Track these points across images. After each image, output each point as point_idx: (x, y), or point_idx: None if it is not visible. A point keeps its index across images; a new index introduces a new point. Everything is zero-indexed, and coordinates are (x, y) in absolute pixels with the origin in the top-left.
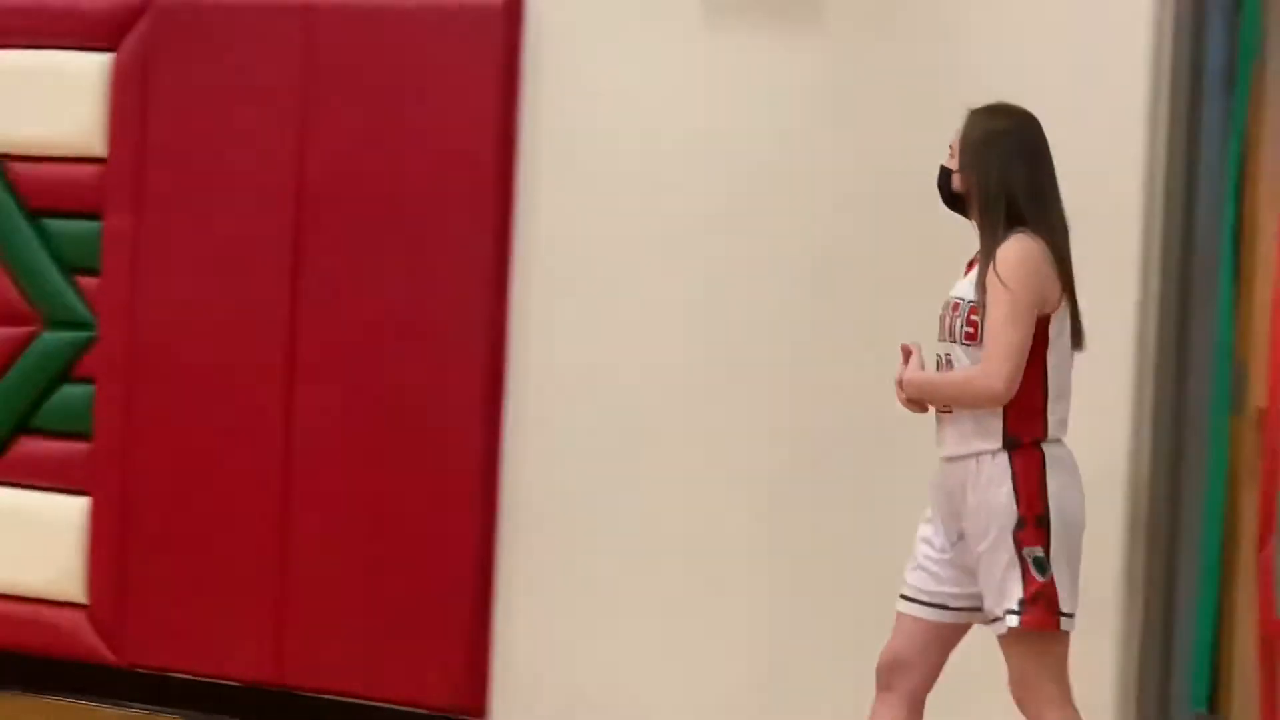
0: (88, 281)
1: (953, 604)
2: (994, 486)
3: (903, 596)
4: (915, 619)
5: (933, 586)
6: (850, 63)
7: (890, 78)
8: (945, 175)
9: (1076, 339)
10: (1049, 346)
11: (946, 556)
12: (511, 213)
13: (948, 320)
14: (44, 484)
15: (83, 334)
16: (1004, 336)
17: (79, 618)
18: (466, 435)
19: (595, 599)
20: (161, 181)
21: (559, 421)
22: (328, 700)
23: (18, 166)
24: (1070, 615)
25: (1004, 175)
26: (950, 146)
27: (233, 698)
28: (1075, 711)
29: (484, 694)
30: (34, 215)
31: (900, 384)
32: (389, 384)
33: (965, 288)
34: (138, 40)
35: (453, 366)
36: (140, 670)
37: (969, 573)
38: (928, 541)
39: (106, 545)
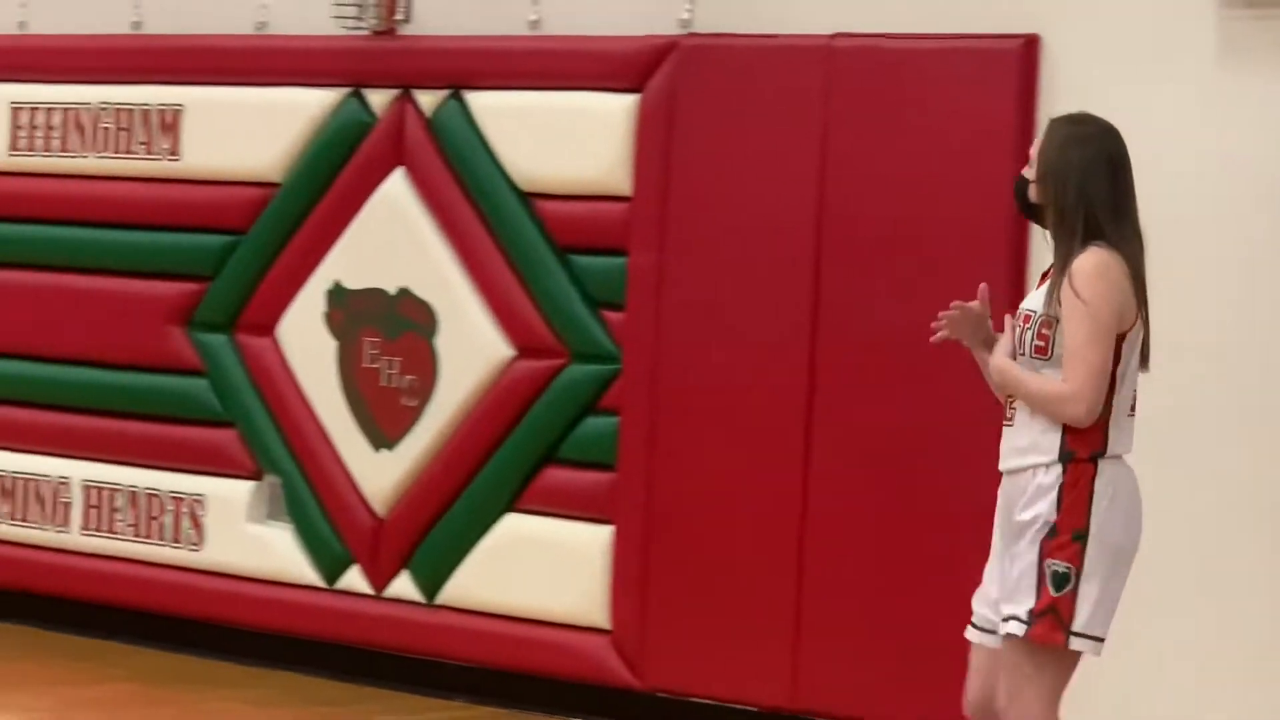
0: (613, 315)
1: None
2: (1041, 498)
3: (972, 625)
4: (982, 649)
5: (989, 613)
6: None
7: None
8: (1023, 185)
9: (1144, 358)
10: (1121, 363)
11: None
12: (1027, 244)
13: (1018, 332)
14: (570, 512)
15: (608, 367)
16: (1086, 357)
17: (603, 643)
18: (979, 459)
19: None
20: (684, 218)
21: None
22: None
23: (546, 205)
24: (1086, 636)
25: (1082, 187)
26: (1029, 155)
27: None
28: None
29: None
30: (562, 252)
31: (954, 307)
32: (905, 409)
33: (1037, 300)
34: (663, 80)
35: (968, 391)
36: (661, 695)
37: None
38: (990, 565)
39: (629, 572)
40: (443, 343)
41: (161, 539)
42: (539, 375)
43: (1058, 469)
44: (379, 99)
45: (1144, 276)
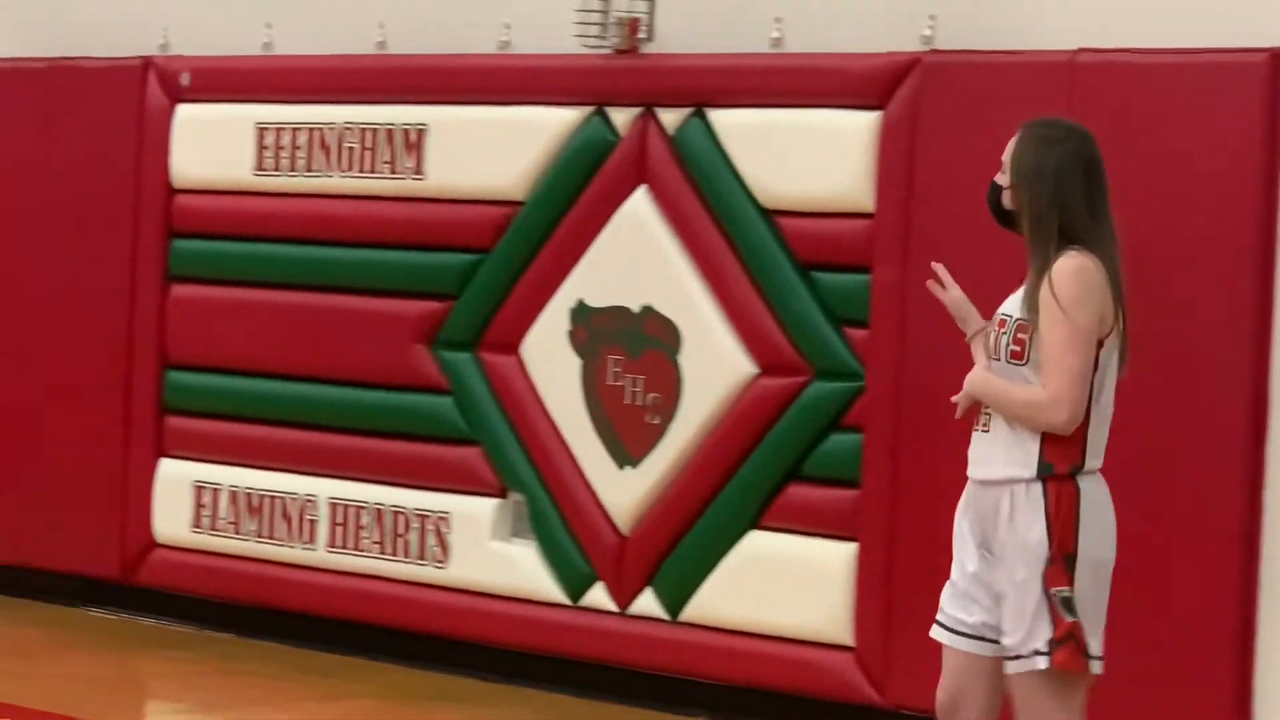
0: (855, 332)
1: (990, 635)
2: (1028, 523)
3: (939, 624)
4: (957, 652)
5: (964, 615)
6: None
7: None
8: (996, 191)
9: (1121, 365)
10: (1099, 370)
11: (977, 581)
12: (1274, 264)
13: (993, 336)
14: (813, 529)
15: (851, 384)
16: (1066, 362)
17: (846, 660)
18: (1226, 485)
19: None
20: (927, 233)
21: None
22: None
23: (789, 221)
24: (1098, 658)
25: (1057, 191)
26: (1001, 161)
27: None
28: None
29: None
30: (804, 268)
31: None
32: (1146, 428)
33: (1014, 304)
34: (905, 97)
35: (1215, 413)
36: (905, 712)
37: (997, 599)
38: (960, 564)
39: (873, 589)
40: (686, 360)
41: (407, 556)
42: (782, 392)
43: (1038, 488)
44: (622, 117)
45: (1121, 280)
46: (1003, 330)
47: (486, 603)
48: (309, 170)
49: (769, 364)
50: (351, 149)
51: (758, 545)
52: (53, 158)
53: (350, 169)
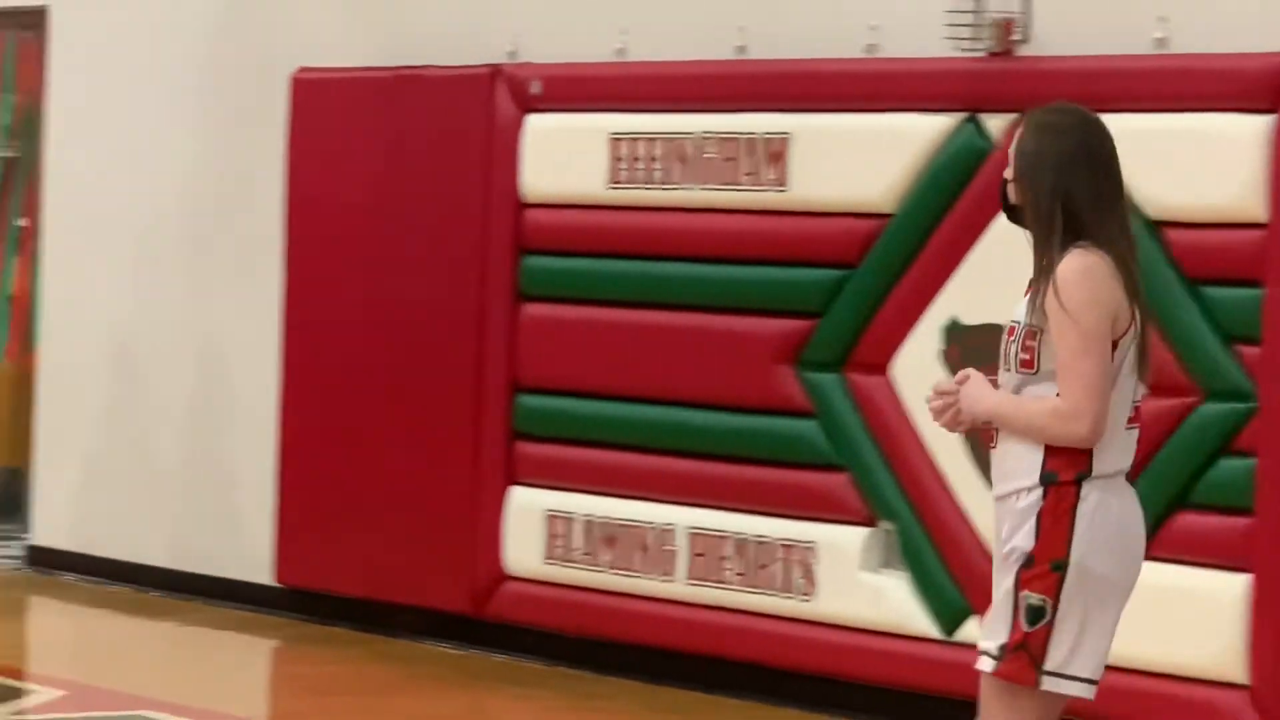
0: (1247, 350)
1: None
2: (1020, 525)
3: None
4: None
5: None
6: None
7: None
8: (1001, 186)
9: (1141, 366)
10: (1115, 375)
11: None
12: None
13: (1003, 346)
14: (1203, 560)
15: (1243, 405)
16: (1079, 370)
17: (1240, 699)
18: None
19: None
20: None
21: None
22: None
23: (1175, 233)
24: (1062, 676)
25: (1059, 182)
26: (1007, 154)
27: None
28: None
29: None
30: (1192, 283)
31: (936, 393)
32: None
33: (1022, 309)
34: None
35: None
36: None
37: None
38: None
39: (1269, 623)
40: None
41: (771, 588)
42: (1169, 415)
43: (1038, 493)
44: (996, 124)
45: (1136, 277)
46: (1011, 338)
47: (855, 637)
48: (665, 183)
49: (1155, 384)
50: (710, 160)
51: (1144, 576)
52: (399, 170)
53: (709, 181)
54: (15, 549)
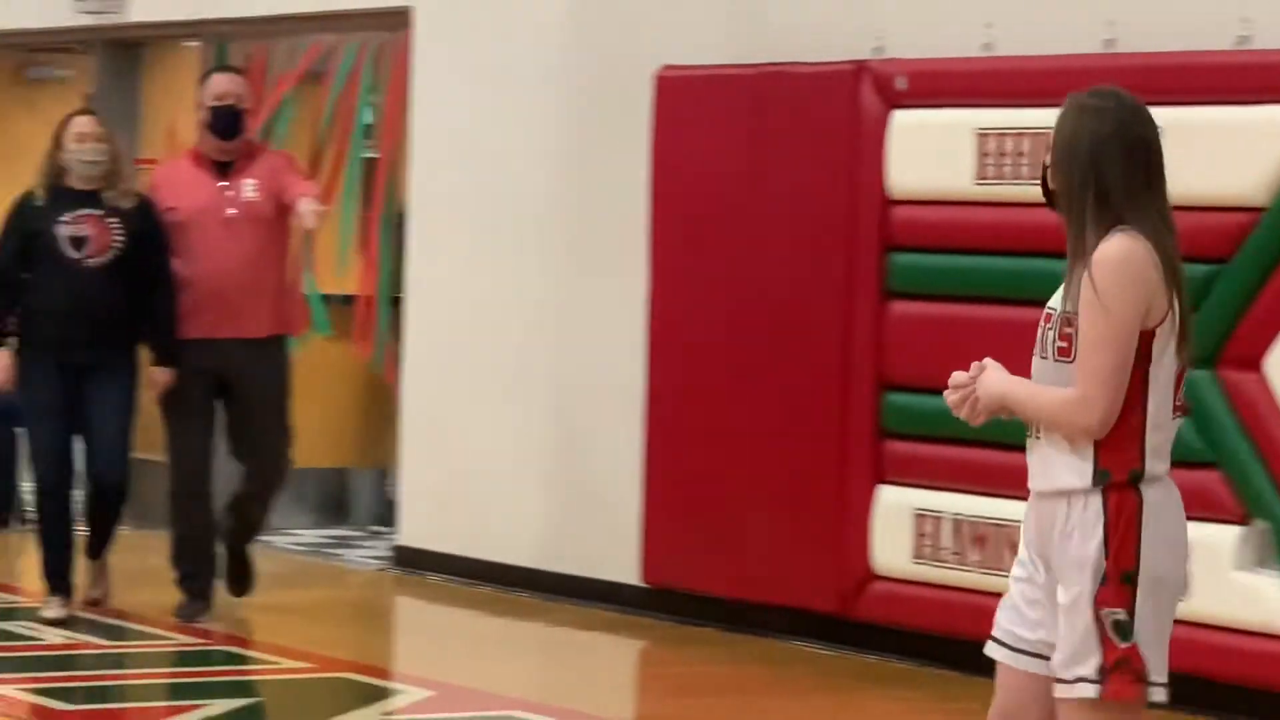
0: None
1: (1048, 653)
2: (1084, 538)
3: (993, 639)
4: (1011, 670)
5: (1024, 632)
6: None
7: None
8: (1044, 171)
9: (1182, 355)
10: (1153, 363)
11: (1038, 595)
12: None
13: (1040, 333)
14: None
15: None
16: (1098, 359)
17: None
18: None
19: None
20: None
21: None
22: None
23: None
24: (1159, 685)
25: (1093, 165)
26: (1048, 140)
27: None
28: None
29: None
30: None
31: (952, 387)
32: None
33: (1058, 297)
34: None
35: None
36: None
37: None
38: (1019, 577)
39: None
40: None
41: None
42: None
43: (1097, 500)
44: None
45: (1177, 266)
46: (1048, 325)
47: (1228, 638)
48: (1032, 178)
49: None
50: None
51: None
52: (763, 167)
53: None
54: (382, 549)
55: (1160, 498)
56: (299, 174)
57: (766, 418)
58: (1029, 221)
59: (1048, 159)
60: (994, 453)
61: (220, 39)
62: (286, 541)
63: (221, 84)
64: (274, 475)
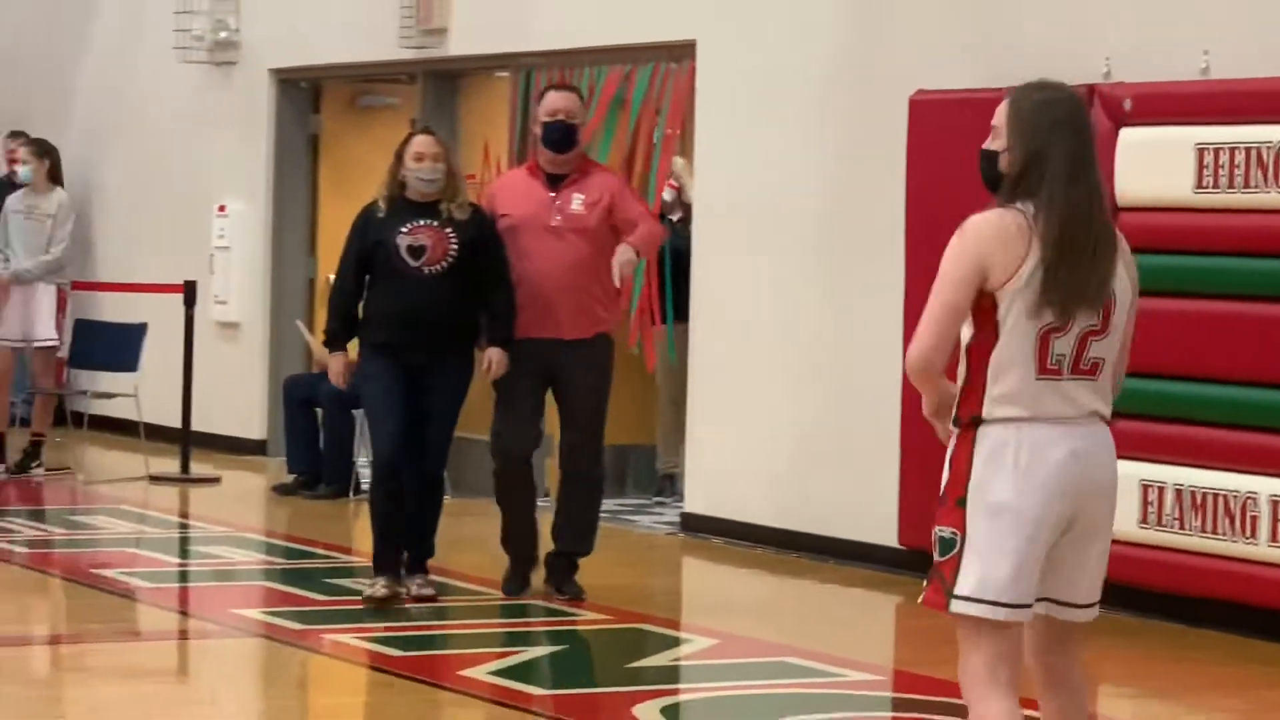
0: None
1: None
2: (945, 470)
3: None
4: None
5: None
6: None
7: None
8: (990, 158)
9: (1045, 316)
10: (999, 325)
11: None
12: None
13: None
14: None
15: None
16: (928, 306)
17: None
18: None
19: None
20: None
21: None
22: None
23: None
24: (976, 600)
25: (1045, 149)
26: (993, 127)
27: None
28: (996, 708)
29: None
30: None
31: None
32: None
33: None
34: None
35: None
36: None
37: None
38: None
39: None
40: None
41: None
42: None
43: (955, 436)
44: None
45: (1070, 236)
46: None
47: None
48: (1246, 187)
49: None
50: None
51: None
52: None
53: None
54: (671, 515)
55: (1007, 436)
56: (635, 198)
57: None
58: (1242, 225)
59: (997, 145)
60: (1210, 431)
61: (528, 69)
62: None
63: (556, 101)
64: (586, 465)
